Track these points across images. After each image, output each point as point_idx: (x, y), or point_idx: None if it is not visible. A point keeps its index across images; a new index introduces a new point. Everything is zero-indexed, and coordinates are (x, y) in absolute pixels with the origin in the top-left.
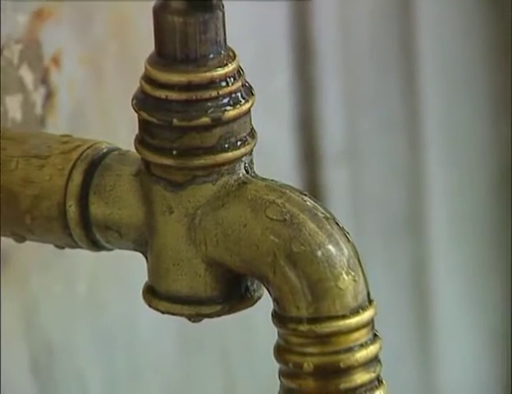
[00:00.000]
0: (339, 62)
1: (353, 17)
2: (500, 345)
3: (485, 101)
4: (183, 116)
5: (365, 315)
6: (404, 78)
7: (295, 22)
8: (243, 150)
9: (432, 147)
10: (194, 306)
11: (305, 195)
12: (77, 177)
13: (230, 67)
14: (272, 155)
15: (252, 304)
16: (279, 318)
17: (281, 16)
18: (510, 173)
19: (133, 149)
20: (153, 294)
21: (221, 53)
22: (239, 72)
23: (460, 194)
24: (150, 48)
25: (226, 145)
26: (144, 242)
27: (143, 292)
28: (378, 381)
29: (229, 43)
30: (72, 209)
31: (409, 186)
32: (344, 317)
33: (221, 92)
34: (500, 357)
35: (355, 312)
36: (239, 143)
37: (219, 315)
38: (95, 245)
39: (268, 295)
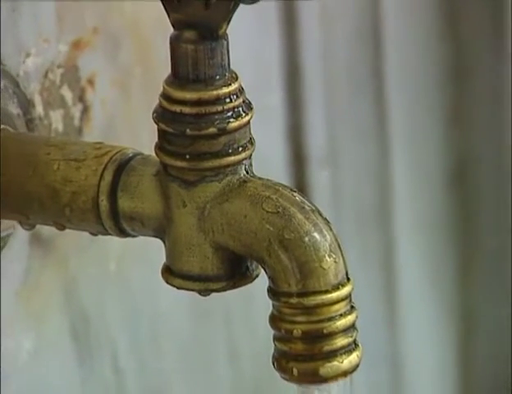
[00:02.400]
0: (321, 83)
1: (332, 47)
2: (452, 312)
3: (440, 113)
4: (194, 126)
5: (344, 290)
6: (374, 95)
7: (286, 50)
8: (243, 155)
9: (397, 151)
10: (203, 283)
11: (295, 192)
12: (108, 177)
13: (233, 86)
14: (267, 159)
15: (251, 281)
16: (273, 292)
17: (275, 44)
18: (460, 173)
19: (153, 154)
20: (170, 273)
21: (225, 75)
22: (240, 91)
23: (420, 190)
24: (168, 70)
25: (230, 151)
26: (162, 230)
27: (161, 271)
28: (355, 344)
29: (232, 67)
30: (104, 203)
31: (378, 184)
32: (326, 292)
33: (225, 107)
34: (452, 322)
35: (336, 288)
36: (240, 149)
37: (224, 290)
38: (122, 233)
39: (264, 273)
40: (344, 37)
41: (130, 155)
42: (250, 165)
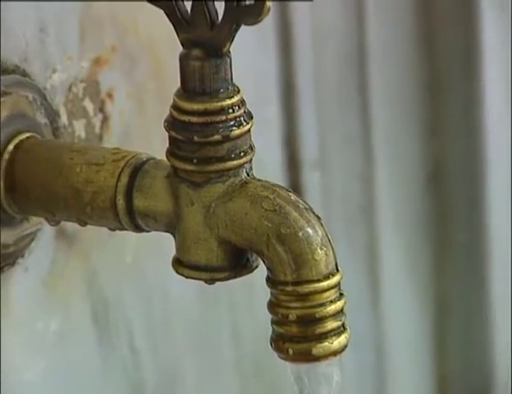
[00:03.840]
0: (313, 96)
1: (323, 65)
2: (428, 299)
3: (417, 123)
4: (201, 134)
5: (334, 279)
6: (360, 107)
7: (282, 67)
8: (244, 159)
9: (380, 157)
10: (209, 273)
11: (290, 192)
12: (124, 179)
13: (236, 99)
14: (265, 163)
15: (251, 271)
16: (271, 281)
17: (272, 62)
18: (436, 175)
19: (165, 159)
20: (180, 264)
21: (228, 88)
22: (242, 102)
23: (400, 191)
24: (177, 85)
25: (233, 155)
26: (172, 226)
27: (172, 262)
28: (343, 327)
29: (234, 81)
30: (121, 202)
31: (363, 185)
32: (318, 280)
33: (228, 117)
34: (429, 308)
35: (327, 277)
36: (241, 154)
37: (228, 279)
38: (137, 228)
39: (263, 264)
40: (333, 57)
41: (144, 159)
42: (251, 168)
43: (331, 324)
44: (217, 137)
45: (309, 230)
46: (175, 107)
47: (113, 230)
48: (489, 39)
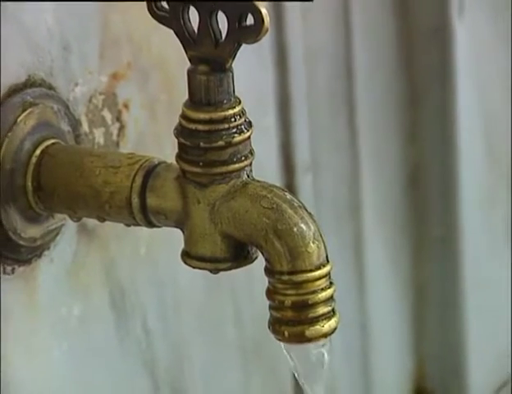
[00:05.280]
0: (306, 107)
1: (315, 79)
2: (407, 286)
3: (399, 131)
4: (206, 140)
5: (325, 270)
6: (347, 117)
7: (278, 81)
8: (245, 163)
9: (365, 161)
10: (213, 264)
11: (286, 191)
12: (138, 180)
13: (237, 109)
14: (264, 166)
15: (251, 262)
16: (269, 271)
17: (269, 77)
18: (414, 177)
19: (174, 162)
20: (188, 256)
21: (231, 100)
22: (243, 112)
23: (383, 191)
24: (186, 96)
25: (235, 159)
26: (181, 222)
27: (181, 254)
28: (333, 312)
29: (236, 94)
30: (135, 201)
31: (350, 187)
32: (311, 270)
33: (231, 125)
34: (408, 294)
35: (318, 267)
36: (242, 158)
37: (230, 269)
38: (150, 224)
39: (262, 256)
40: (324, 72)
41: (156, 163)
42: (251, 171)
43: (322, 309)
44: (220, 143)
45: (303, 225)
46: (183, 116)
47: (128, 225)
48: (461, 57)
